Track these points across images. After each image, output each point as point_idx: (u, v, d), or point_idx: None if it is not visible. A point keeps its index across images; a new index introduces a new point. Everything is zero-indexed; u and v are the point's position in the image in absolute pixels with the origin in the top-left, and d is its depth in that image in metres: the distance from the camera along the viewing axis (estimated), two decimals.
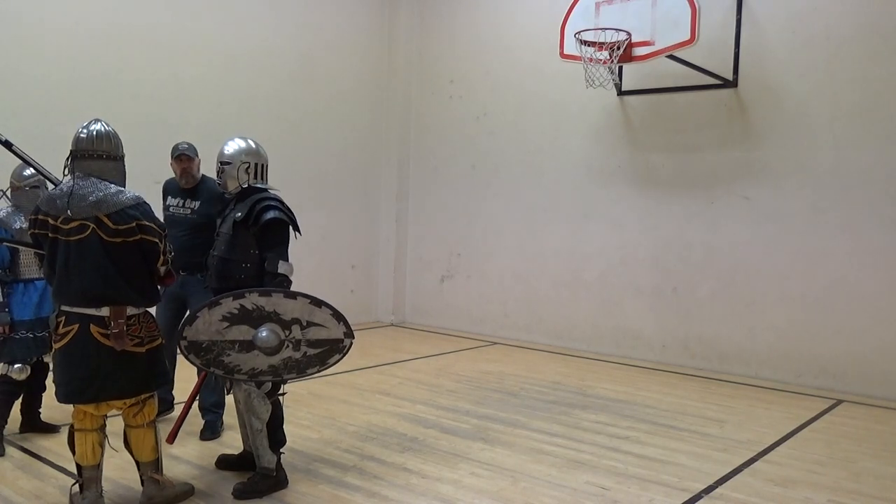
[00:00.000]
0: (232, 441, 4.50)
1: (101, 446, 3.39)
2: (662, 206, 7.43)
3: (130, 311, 3.30)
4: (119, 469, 3.98)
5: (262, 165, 3.89)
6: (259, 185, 3.85)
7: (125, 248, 3.25)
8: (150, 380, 3.40)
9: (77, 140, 3.32)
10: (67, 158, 3.31)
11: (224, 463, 4.07)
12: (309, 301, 3.53)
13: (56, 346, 3.30)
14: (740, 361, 6.93)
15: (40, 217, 3.27)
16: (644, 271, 7.56)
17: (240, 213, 3.76)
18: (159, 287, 3.50)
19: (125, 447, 3.52)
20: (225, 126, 7.03)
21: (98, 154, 3.31)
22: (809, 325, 6.58)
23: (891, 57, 6.17)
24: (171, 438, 3.78)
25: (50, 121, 6.45)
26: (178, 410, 4.90)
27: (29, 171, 4.39)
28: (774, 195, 6.77)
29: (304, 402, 5.47)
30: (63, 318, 3.28)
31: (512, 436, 4.82)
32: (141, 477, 3.53)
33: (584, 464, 4.31)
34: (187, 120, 7.08)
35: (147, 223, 3.27)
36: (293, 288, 3.73)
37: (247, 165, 3.82)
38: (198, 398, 4.78)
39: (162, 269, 3.40)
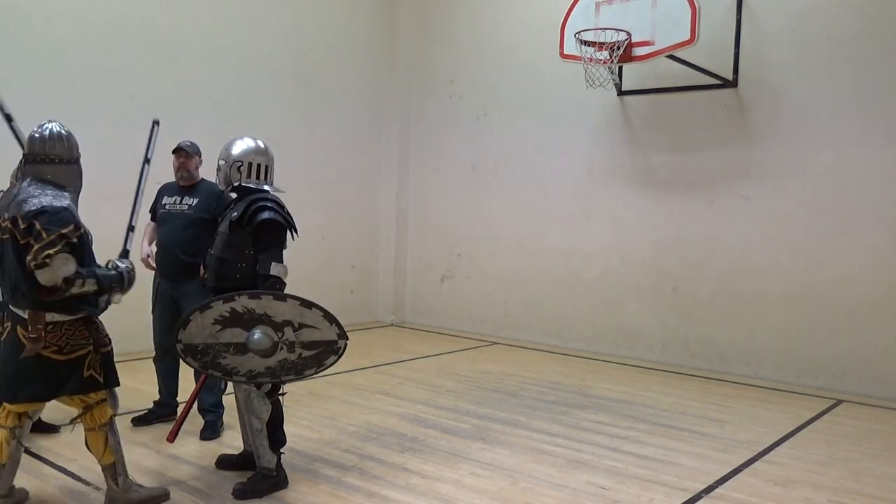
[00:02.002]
0: (232, 441, 4.50)
1: (9, 445, 3.32)
2: (662, 206, 7.43)
3: (53, 317, 3.21)
4: None
5: (260, 165, 3.84)
6: (251, 185, 3.81)
7: (27, 250, 3.14)
8: (62, 386, 3.29)
9: (28, 143, 3.31)
10: (20, 161, 3.31)
11: (224, 463, 4.07)
12: (299, 303, 3.51)
13: None
14: (740, 361, 6.93)
15: None
16: (644, 271, 7.56)
17: (236, 213, 3.75)
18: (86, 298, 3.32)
19: (87, 450, 3.48)
20: (225, 126, 7.02)
21: (47, 158, 3.28)
22: (809, 325, 6.58)
23: (890, 57, 6.17)
24: (172, 437, 3.77)
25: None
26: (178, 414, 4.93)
27: None
28: (774, 195, 6.77)
29: (304, 402, 5.47)
30: (5, 313, 3.38)
31: (512, 436, 4.82)
32: (105, 481, 3.49)
33: (584, 464, 4.31)
34: (187, 120, 7.07)
35: (35, 223, 3.09)
36: (290, 289, 3.72)
37: (239, 164, 3.80)
38: (197, 399, 4.80)
39: (36, 270, 3.07)
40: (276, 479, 3.77)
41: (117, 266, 3.37)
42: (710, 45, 6.73)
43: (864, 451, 4.74)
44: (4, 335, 3.34)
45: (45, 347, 3.21)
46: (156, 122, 3.82)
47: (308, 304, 3.54)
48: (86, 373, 3.32)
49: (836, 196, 6.46)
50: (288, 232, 3.82)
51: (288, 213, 3.84)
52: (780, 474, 4.25)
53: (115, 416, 3.50)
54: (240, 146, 3.84)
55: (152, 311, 4.80)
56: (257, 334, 3.50)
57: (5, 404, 3.35)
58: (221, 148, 3.90)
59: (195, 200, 4.68)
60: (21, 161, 3.37)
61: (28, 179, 3.28)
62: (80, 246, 3.19)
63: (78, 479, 3.84)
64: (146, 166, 3.73)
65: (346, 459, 4.28)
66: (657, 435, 4.93)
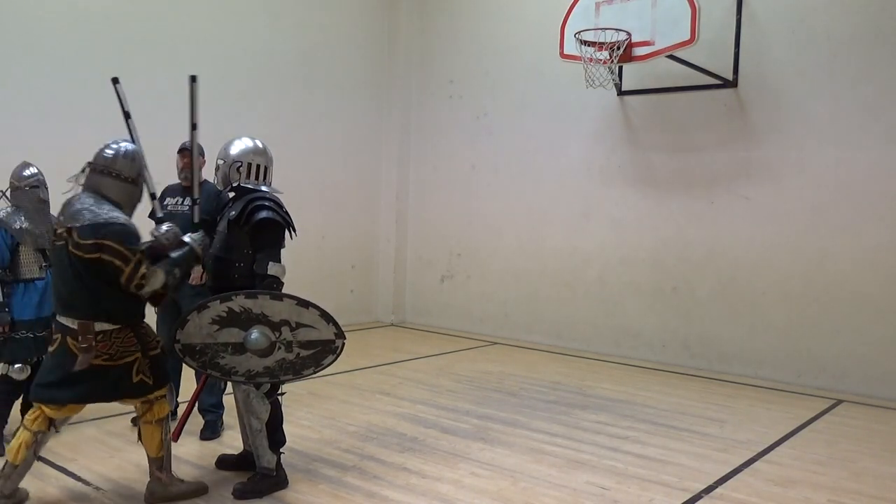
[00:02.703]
0: (232, 441, 4.50)
1: (28, 449, 3.35)
2: (662, 206, 7.43)
3: (102, 326, 3.28)
4: (119, 469, 3.99)
5: (259, 166, 3.83)
6: (248, 185, 3.80)
7: (89, 263, 3.24)
8: (113, 391, 3.38)
9: (98, 154, 3.42)
10: (83, 169, 3.40)
11: (224, 463, 4.07)
12: (296, 302, 3.51)
13: (49, 350, 3.42)
14: (740, 361, 6.93)
15: (55, 226, 3.45)
16: (644, 271, 7.56)
17: (234, 212, 3.75)
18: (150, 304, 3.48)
19: (140, 442, 3.58)
20: (225, 126, 7.00)
21: (107, 170, 3.39)
22: (809, 325, 6.58)
23: (890, 57, 6.17)
24: (176, 436, 3.79)
25: (50, 121, 6.46)
26: (178, 414, 4.92)
27: (28, 172, 4.40)
28: (774, 195, 6.76)
29: (304, 402, 5.47)
30: (54, 325, 3.40)
31: (512, 436, 4.82)
32: (150, 473, 3.58)
33: (584, 464, 4.31)
34: (187, 121, 7.06)
35: (108, 243, 3.21)
36: (289, 289, 3.71)
37: (238, 164, 3.79)
38: (197, 399, 4.80)
39: (143, 294, 3.32)
40: (276, 479, 3.77)
41: (164, 233, 3.52)
42: (710, 45, 6.73)
43: (864, 451, 4.74)
44: (54, 347, 3.36)
45: (96, 357, 3.27)
46: (193, 78, 3.85)
47: (305, 304, 3.53)
48: (135, 378, 3.39)
49: (836, 196, 6.46)
50: (286, 231, 3.81)
51: (286, 213, 3.83)
52: (779, 474, 4.25)
53: (171, 411, 3.61)
54: (238, 146, 3.84)
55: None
56: (255, 334, 3.50)
57: (42, 407, 3.37)
58: (220, 148, 3.90)
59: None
60: (84, 169, 3.41)
61: (87, 191, 3.37)
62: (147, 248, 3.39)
63: (78, 479, 3.84)
64: (194, 132, 3.80)
65: (346, 459, 4.28)
66: (657, 435, 4.93)
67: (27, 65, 6.38)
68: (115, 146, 3.43)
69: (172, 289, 3.46)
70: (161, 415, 3.52)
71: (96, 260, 3.22)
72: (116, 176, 3.39)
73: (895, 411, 5.81)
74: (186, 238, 3.56)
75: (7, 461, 3.39)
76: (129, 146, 3.47)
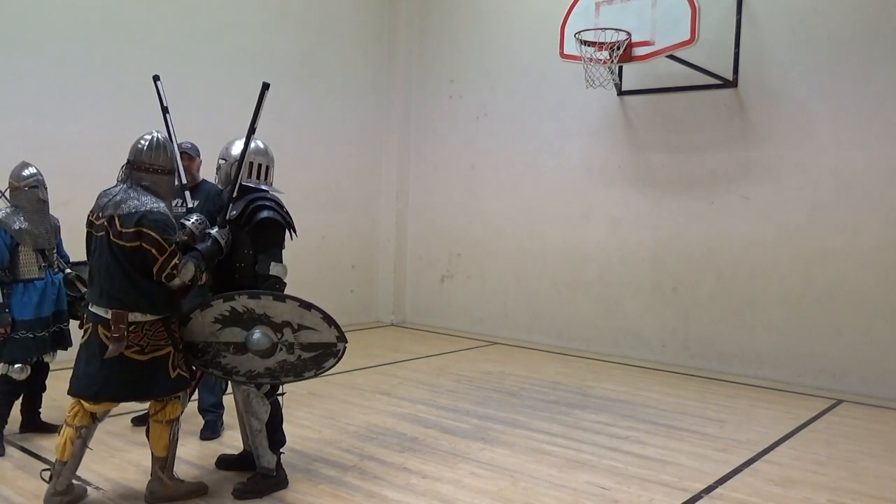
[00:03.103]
0: (232, 441, 4.49)
1: (73, 445, 3.38)
2: (662, 205, 7.43)
3: (136, 317, 3.32)
4: (119, 469, 3.99)
5: (261, 165, 3.83)
6: (250, 185, 3.79)
7: (129, 252, 3.29)
8: (152, 388, 3.41)
9: (135, 151, 3.45)
10: (123, 166, 3.46)
11: (224, 463, 4.07)
12: (298, 304, 3.50)
13: (81, 341, 3.44)
14: (740, 361, 6.93)
15: (89, 215, 3.47)
16: (644, 271, 7.56)
17: (235, 212, 3.74)
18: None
19: (146, 437, 3.59)
20: (225, 126, 6.99)
21: (151, 167, 3.44)
22: (809, 325, 6.58)
23: (891, 57, 6.17)
24: None
25: (50, 122, 6.46)
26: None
27: (27, 172, 4.39)
28: (774, 195, 6.76)
29: (303, 402, 5.47)
30: (85, 314, 3.44)
31: (512, 436, 4.82)
32: (152, 472, 3.58)
33: (584, 464, 4.31)
34: (187, 120, 7.04)
35: (148, 231, 3.27)
36: (289, 290, 3.70)
37: (239, 163, 3.80)
38: (197, 399, 4.79)
39: (173, 284, 3.37)
40: (276, 479, 3.77)
41: (194, 223, 3.61)
42: (710, 45, 6.72)
43: (864, 451, 4.73)
44: (86, 337, 3.40)
45: (127, 347, 3.30)
46: (266, 85, 3.99)
47: (307, 306, 3.52)
48: (173, 373, 3.43)
49: (836, 196, 6.46)
50: (287, 232, 3.81)
51: (287, 213, 3.82)
52: (780, 474, 4.25)
53: (182, 412, 3.62)
54: (240, 146, 3.83)
55: None
56: (256, 334, 3.49)
57: (82, 402, 3.40)
58: (222, 147, 3.90)
59: (196, 203, 4.67)
60: (125, 166, 3.47)
61: (128, 182, 3.42)
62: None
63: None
64: (251, 132, 3.82)
65: (346, 459, 4.27)
66: (657, 435, 4.93)
67: (27, 65, 6.38)
68: (149, 139, 3.47)
69: (197, 281, 3.50)
70: (173, 415, 3.52)
71: (136, 248, 3.28)
72: (154, 170, 3.44)
73: (895, 411, 5.80)
74: (212, 231, 3.61)
75: (56, 459, 3.43)
76: (163, 137, 3.52)
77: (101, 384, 3.33)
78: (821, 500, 3.88)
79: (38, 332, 4.27)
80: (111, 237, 3.30)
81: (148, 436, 3.57)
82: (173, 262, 3.31)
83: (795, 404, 5.91)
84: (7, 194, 4.43)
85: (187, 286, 3.45)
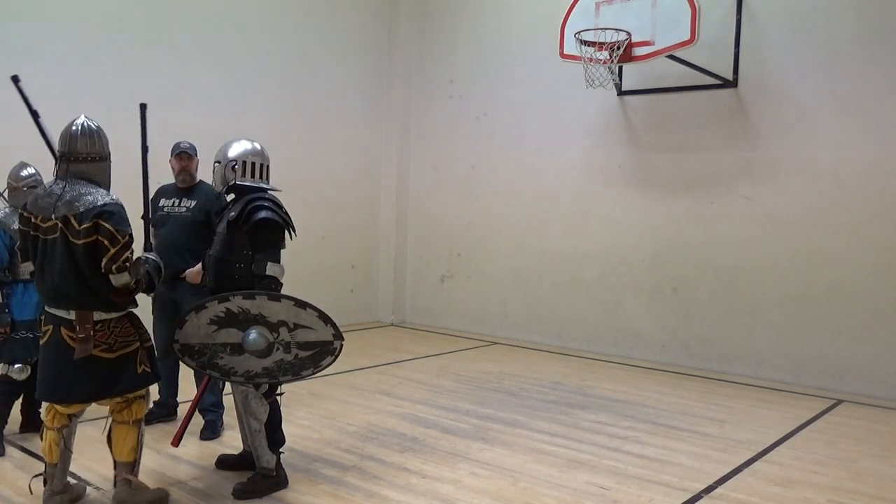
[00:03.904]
0: (232, 441, 4.50)
1: (58, 446, 3.35)
2: (662, 205, 7.43)
3: (100, 315, 3.25)
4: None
5: (257, 164, 3.82)
6: (248, 184, 3.78)
7: (84, 249, 3.18)
8: (117, 384, 3.32)
9: (67, 141, 3.29)
10: (58, 161, 3.31)
11: (224, 463, 4.07)
12: (293, 303, 3.48)
13: (41, 343, 3.37)
14: (740, 361, 6.93)
15: (25, 214, 3.33)
16: (644, 271, 7.56)
17: (233, 213, 3.74)
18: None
19: (107, 443, 3.47)
20: (225, 126, 7.01)
21: (88, 156, 3.29)
22: (809, 325, 6.57)
23: (890, 57, 6.17)
24: (176, 442, 3.78)
25: (49, 122, 6.44)
26: (178, 414, 4.93)
27: (26, 172, 4.39)
28: (774, 195, 6.76)
29: (303, 402, 5.47)
30: (44, 316, 3.35)
31: (512, 436, 4.82)
32: (115, 477, 3.47)
33: (584, 464, 4.31)
34: (187, 121, 7.07)
35: (104, 223, 3.16)
36: (290, 290, 3.69)
37: (234, 164, 3.79)
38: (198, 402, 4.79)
39: (117, 279, 3.18)
40: (276, 479, 3.77)
41: (148, 259, 3.41)
42: (710, 45, 6.72)
43: (864, 451, 4.73)
44: (46, 339, 3.30)
45: (95, 346, 3.23)
46: (143, 106, 3.69)
47: (303, 305, 3.52)
48: (139, 368, 3.37)
49: (836, 196, 6.46)
50: (286, 231, 3.80)
51: (286, 213, 3.82)
52: (779, 474, 4.25)
53: (174, 410, 3.56)
54: (235, 147, 3.84)
55: (152, 313, 4.80)
56: (253, 334, 3.49)
57: (55, 406, 3.35)
58: (217, 150, 3.91)
59: (193, 203, 4.68)
60: (59, 160, 3.32)
61: (66, 178, 3.27)
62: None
63: (78, 478, 3.83)
64: (145, 154, 3.63)
65: (346, 459, 4.27)
66: (657, 435, 4.93)
67: (27, 65, 6.37)
68: (80, 126, 3.29)
69: (141, 286, 3.35)
70: (139, 415, 3.43)
71: (91, 244, 3.17)
72: (92, 158, 3.31)
73: (895, 411, 5.80)
74: (150, 257, 3.44)
75: (46, 462, 3.40)
76: (91, 124, 3.32)
77: (69, 386, 3.26)
78: (821, 500, 3.88)
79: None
80: (70, 238, 3.18)
81: (110, 441, 3.44)
82: (125, 255, 3.18)
83: (795, 404, 5.91)
84: (6, 195, 4.43)
85: (130, 290, 3.28)
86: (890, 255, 6.19)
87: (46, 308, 3.32)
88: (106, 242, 3.16)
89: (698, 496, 3.89)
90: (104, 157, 3.36)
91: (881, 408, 5.89)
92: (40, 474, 3.49)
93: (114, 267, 3.16)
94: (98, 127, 3.36)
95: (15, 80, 3.60)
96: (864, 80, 6.30)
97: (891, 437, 5.11)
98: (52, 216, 3.22)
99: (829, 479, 4.20)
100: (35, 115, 3.53)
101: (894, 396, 6.09)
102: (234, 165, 3.79)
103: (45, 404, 3.41)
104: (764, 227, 6.82)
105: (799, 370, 6.61)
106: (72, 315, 3.22)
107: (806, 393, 6.31)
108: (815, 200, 6.56)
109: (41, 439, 3.43)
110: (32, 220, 3.28)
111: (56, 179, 3.32)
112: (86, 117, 3.35)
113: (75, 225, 3.18)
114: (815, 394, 6.27)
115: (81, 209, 3.18)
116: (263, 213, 3.66)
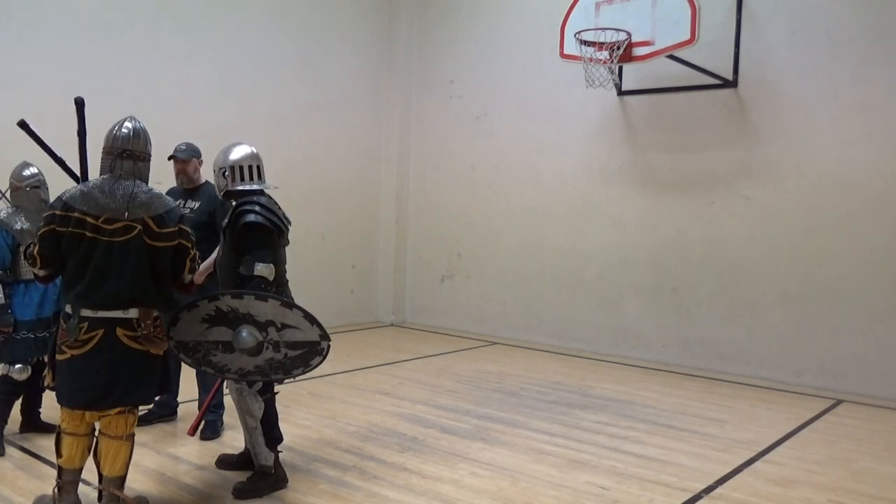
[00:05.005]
0: (232, 441, 4.50)
1: (89, 450, 3.28)
2: (662, 205, 7.43)
3: (154, 311, 3.29)
4: None
5: (245, 167, 3.80)
6: (240, 188, 3.78)
7: (163, 252, 3.22)
8: (160, 387, 3.41)
9: (118, 138, 3.24)
10: (108, 156, 3.24)
11: (224, 463, 4.08)
12: (280, 303, 3.49)
13: (74, 352, 3.12)
14: (740, 361, 6.93)
15: (76, 216, 3.10)
16: (644, 271, 7.56)
17: (226, 220, 3.78)
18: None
19: (93, 458, 3.28)
20: (225, 126, 7.04)
21: (138, 154, 3.28)
22: (809, 325, 6.58)
23: (890, 57, 6.17)
24: (192, 431, 3.91)
25: (49, 122, 6.43)
26: (179, 414, 4.93)
27: (28, 172, 4.39)
28: (774, 195, 6.77)
29: (304, 402, 5.48)
30: (85, 324, 3.11)
31: (512, 436, 4.82)
32: (99, 492, 3.27)
33: (584, 464, 4.31)
34: (187, 121, 7.08)
35: (186, 228, 3.30)
36: (290, 290, 3.70)
37: (224, 171, 3.80)
38: (198, 399, 4.81)
39: (187, 278, 3.37)
40: (275, 478, 3.78)
41: None
42: (710, 45, 6.72)
43: (864, 451, 4.74)
44: (92, 344, 3.11)
45: (151, 343, 3.25)
46: (80, 101, 3.63)
47: (289, 305, 3.52)
48: (167, 373, 3.45)
49: (836, 196, 6.46)
50: (276, 232, 3.77)
51: (275, 215, 3.76)
52: (779, 474, 4.25)
53: (174, 410, 3.58)
54: (223, 154, 3.84)
55: None
56: (243, 333, 3.49)
57: (81, 411, 3.19)
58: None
59: (197, 204, 4.67)
60: (113, 159, 3.24)
61: (131, 178, 3.23)
62: None
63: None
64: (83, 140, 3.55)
65: (346, 459, 4.28)
66: (657, 435, 4.93)
67: (26, 64, 6.38)
68: (133, 126, 3.28)
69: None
70: (132, 428, 3.31)
71: (171, 248, 3.25)
72: (146, 158, 3.33)
73: (895, 411, 5.81)
74: None
75: (62, 469, 3.24)
76: (137, 123, 3.31)
77: (122, 390, 3.15)
78: (821, 500, 3.88)
79: (39, 333, 4.26)
80: (147, 239, 3.14)
81: (96, 457, 3.26)
82: (195, 254, 3.37)
83: (795, 404, 5.91)
84: (8, 195, 4.43)
85: (192, 283, 3.48)
86: (889, 255, 6.20)
87: (91, 313, 3.11)
88: (189, 246, 3.31)
89: (698, 496, 3.89)
90: (148, 157, 3.38)
91: (881, 408, 5.89)
92: (58, 483, 3.26)
93: (194, 266, 3.37)
94: (144, 127, 3.37)
95: (23, 125, 3.71)
96: (864, 80, 6.30)
97: (891, 437, 5.11)
98: (125, 217, 3.13)
99: (829, 479, 4.21)
100: (82, 134, 3.53)
101: (894, 396, 6.09)
102: (225, 172, 3.80)
103: (61, 408, 3.23)
104: (764, 227, 6.82)
105: (799, 370, 6.62)
106: (130, 314, 3.15)
107: (806, 393, 6.31)
108: (815, 200, 6.56)
109: (57, 446, 3.24)
110: (89, 220, 3.10)
111: (112, 178, 3.20)
112: (133, 118, 3.36)
113: (154, 227, 3.17)
114: (815, 394, 6.27)
115: (161, 211, 3.21)
116: (248, 217, 3.66)
